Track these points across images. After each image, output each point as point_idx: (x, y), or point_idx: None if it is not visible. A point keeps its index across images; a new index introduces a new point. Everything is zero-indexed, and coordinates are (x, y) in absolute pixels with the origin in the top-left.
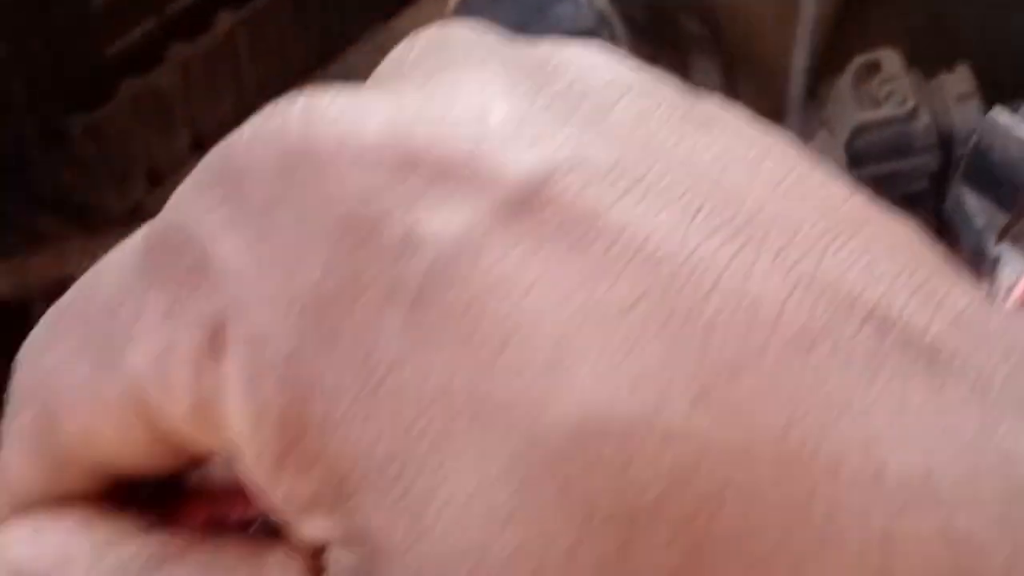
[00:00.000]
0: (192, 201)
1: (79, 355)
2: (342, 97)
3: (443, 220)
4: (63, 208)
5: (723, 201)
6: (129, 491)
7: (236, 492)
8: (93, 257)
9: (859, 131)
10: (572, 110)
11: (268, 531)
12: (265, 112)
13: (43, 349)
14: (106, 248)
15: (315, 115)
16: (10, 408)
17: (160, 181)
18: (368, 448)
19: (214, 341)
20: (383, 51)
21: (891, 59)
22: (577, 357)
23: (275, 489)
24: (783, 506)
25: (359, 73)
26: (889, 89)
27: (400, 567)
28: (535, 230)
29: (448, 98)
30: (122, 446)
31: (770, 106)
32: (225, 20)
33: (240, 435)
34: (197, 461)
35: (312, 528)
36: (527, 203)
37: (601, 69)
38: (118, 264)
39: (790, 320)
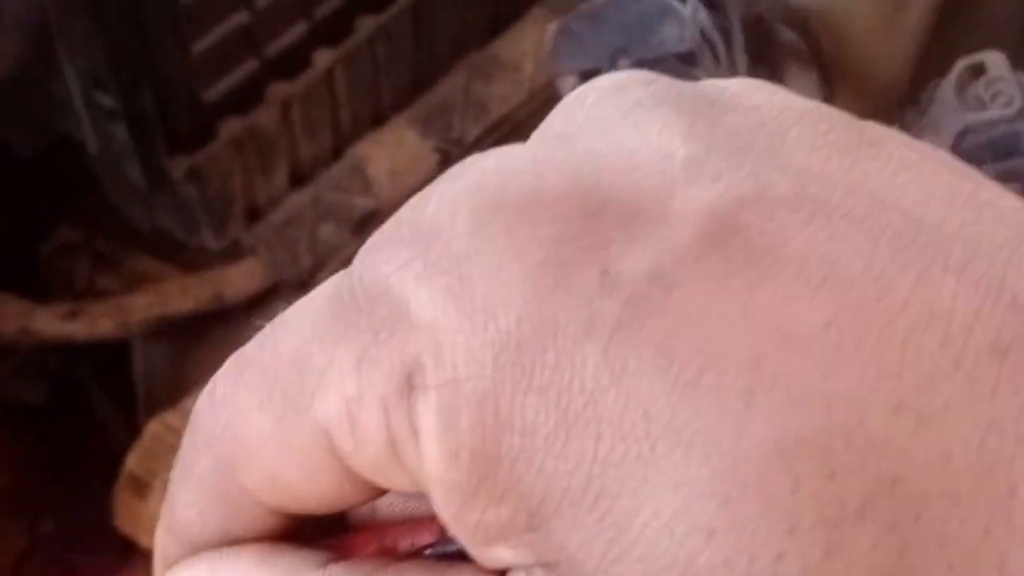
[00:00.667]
0: (385, 256)
1: (264, 406)
2: (526, 152)
3: (635, 259)
4: (161, 248)
5: (904, 220)
6: (297, 530)
7: (403, 524)
8: (191, 295)
9: (966, 133)
10: (749, 143)
11: (440, 559)
12: (453, 171)
13: (225, 400)
14: (202, 285)
15: (504, 172)
16: (185, 455)
17: (258, 218)
18: (565, 477)
19: (406, 386)
20: (476, 78)
21: (996, 60)
22: (774, 379)
23: (465, 520)
24: (984, 506)
25: (452, 102)
26: (995, 90)
27: None
28: (725, 262)
29: (630, 143)
30: (308, 487)
31: (868, 113)
32: (323, 58)
33: (433, 473)
34: (373, 496)
35: (498, 555)
36: (716, 236)
37: (769, 100)
38: (303, 318)
39: (982, 332)
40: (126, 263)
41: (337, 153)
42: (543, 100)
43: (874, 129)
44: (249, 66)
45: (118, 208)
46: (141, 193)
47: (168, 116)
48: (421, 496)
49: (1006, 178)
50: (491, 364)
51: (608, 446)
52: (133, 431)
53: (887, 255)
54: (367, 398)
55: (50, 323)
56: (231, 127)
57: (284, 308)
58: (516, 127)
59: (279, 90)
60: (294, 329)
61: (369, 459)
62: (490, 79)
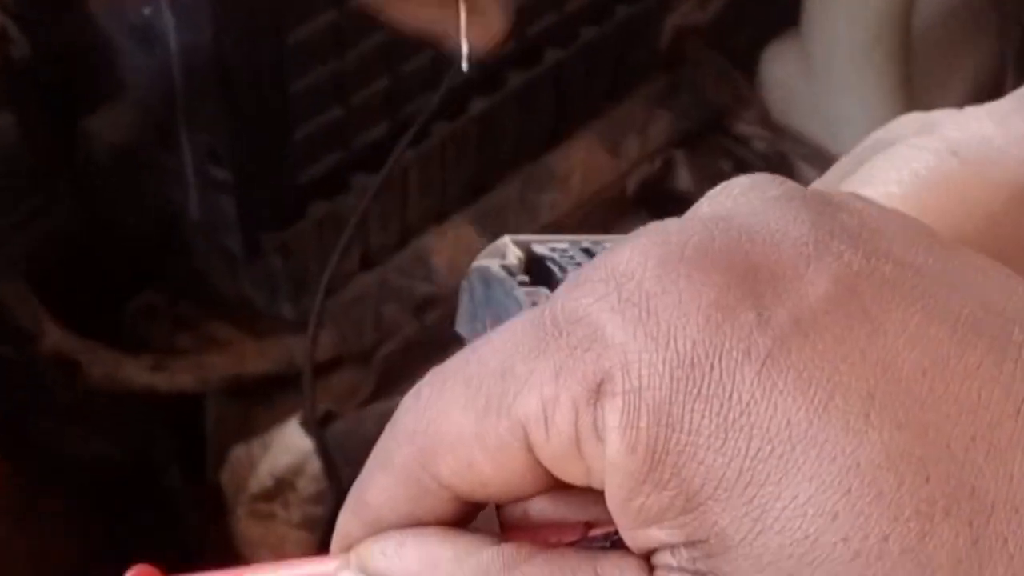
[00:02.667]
0: (585, 291)
1: (467, 406)
2: (696, 222)
3: (781, 307)
4: (237, 315)
5: (977, 304)
6: (468, 520)
7: (551, 525)
8: (267, 357)
9: None
10: (859, 234)
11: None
12: (641, 231)
13: (429, 402)
14: (275, 350)
15: (683, 232)
16: (384, 447)
17: (330, 295)
18: (721, 468)
19: (596, 393)
20: (530, 186)
21: None
22: (884, 407)
23: (631, 504)
24: None
25: (508, 205)
26: None
27: (742, 555)
28: (847, 317)
29: (773, 224)
30: (497, 476)
31: None
32: (403, 155)
33: (612, 462)
34: (544, 489)
35: (651, 535)
36: (839, 298)
37: (867, 207)
38: (505, 340)
39: None
40: (204, 326)
41: (403, 242)
42: (587, 211)
43: (943, 237)
44: (338, 156)
45: (203, 274)
46: (232, 262)
47: (268, 193)
48: (568, 502)
49: None
50: (669, 377)
51: (758, 445)
52: (194, 481)
53: (967, 327)
54: (562, 400)
55: (136, 373)
56: (317, 209)
57: (346, 379)
58: (560, 231)
59: (361, 180)
60: (498, 348)
61: (555, 451)
62: (542, 188)
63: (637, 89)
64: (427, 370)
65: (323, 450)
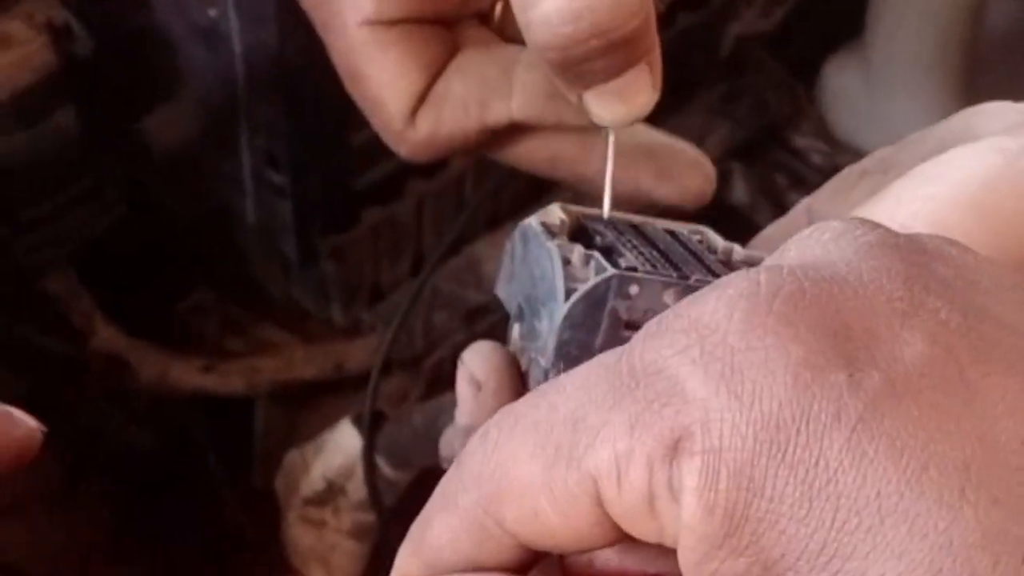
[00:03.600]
0: (667, 342)
1: (536, 454)
2: (785, 270)
3: (875, 368)
4: (287, 318)
5: None
6: (530, 567)
7: (615, 573)
8: (315, 363)
9: None
10: (953, 289)
11: None
12: (727, 279)
13: (497, 446)
14: (325, 356)
15: (771, 283)
16: (448, 488)
17: (381, 300)
18: (804, 539)
19: (673, 450)
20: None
21: None
22: (980, 480)
23: (704, 567)
24: None
25: None
26: None
27: None
28: (943, 381)
29: (866, 276)
30: (564, 526)
31: None
32: (457, 162)
33: (687, 524)
34: (613, 542)
35: None
36: (935, 360)
37: (962, 256)
38: (578, 386)
39: None
40: (253, 329)
41: (456, 249)
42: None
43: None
44: (394, 162)
45: (255, 277)
46: (286, 265)
47: (324, 199)
48: (635, 554)
49: None
50: (752, 439)
51: (844, 516)
52: (238, 485)
53: None
54: (636, 455)
55: (186, 375)
56: (372, 215)
57: (395, 385)
58: None
59: (417, 187)
60: (570, 395)
61: (627, 507)
62: (596, 198)
63: (696, 98)
64: None
65: (368, 450)
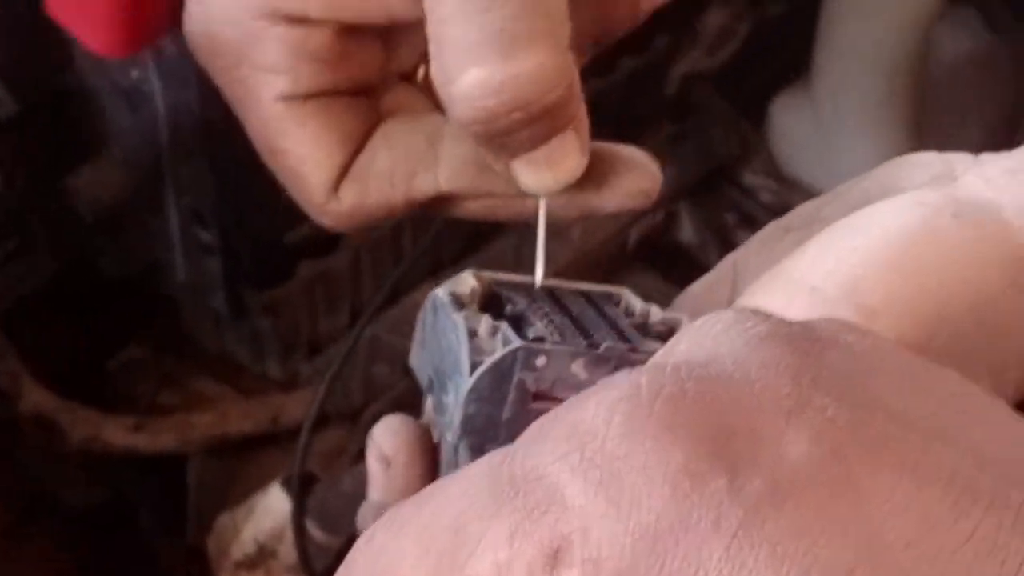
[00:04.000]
0: (548, 448)
1: (420, 561)
2: (665, 370)
3: (757, 471)
4: (223, 372)
5: (973, 459)
6: None
7: None
8: (250, 417)
9: None
10: (846, 382)
11: None
12: (609, 380)
13: (382, 550)
14: (261, 409)
15: (652, 386)
16: None
17: (319, 352)
18: None
19: (553, 559)
20: (526, 241)
21: None
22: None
23: None
24: None
25: (504, 260)
26: None
27: None
28: (829, 483)
29: (753, 374)
30: None
31: None
32: None
33: None
34: None
35: None
36: (821, 461)
37: (860, 342)
38: (462, 490)
39: None
40: (188, 383)
41: (395, 299)
42: (586, 265)
43: (950, 375)
44: None
45: (189, 332)
46: (218, 321)
47: (255, 254)
48: None
49: None
50: (630, 550)
51: None
52: (173, 541)
53: (960, 489)
54: (516, 566)
55: (117, 434)
56: (307, 268)
57: (332, 439)
58: None
59: (352, 239)
60: (453, 500)
61: None
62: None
63: (641, 141)
64: None
65: (298, 514)
